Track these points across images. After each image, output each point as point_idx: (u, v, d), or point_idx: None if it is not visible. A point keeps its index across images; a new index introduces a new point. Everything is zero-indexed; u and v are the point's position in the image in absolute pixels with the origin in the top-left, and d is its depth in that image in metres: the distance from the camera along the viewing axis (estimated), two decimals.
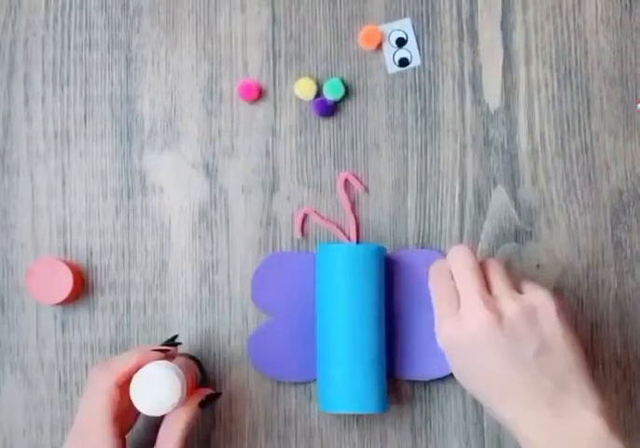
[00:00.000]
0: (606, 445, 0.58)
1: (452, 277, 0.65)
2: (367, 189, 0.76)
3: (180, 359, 0.70)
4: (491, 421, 0.73)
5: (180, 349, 0.71)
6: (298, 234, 0.75)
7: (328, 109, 0.75)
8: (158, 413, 0.63)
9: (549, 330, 0.62)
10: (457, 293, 0.64)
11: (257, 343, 0.74)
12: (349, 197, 0.76)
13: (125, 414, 0.66)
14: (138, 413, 0.69)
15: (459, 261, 0.65)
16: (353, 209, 0.75)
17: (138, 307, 0.75)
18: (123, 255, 0.76)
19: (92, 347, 0.75)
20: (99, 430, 0.63)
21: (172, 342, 0.70)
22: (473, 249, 0.68)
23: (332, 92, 0.76)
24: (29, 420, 0.74)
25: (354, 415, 0.74)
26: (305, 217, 0.76)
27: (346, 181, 0.76)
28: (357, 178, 0.76)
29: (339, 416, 0.74)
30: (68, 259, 0.75)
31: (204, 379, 0.74)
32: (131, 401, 0.63)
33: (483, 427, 0.74)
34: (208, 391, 0.68)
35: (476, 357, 0.62)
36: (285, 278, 0.74)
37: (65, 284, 0.73)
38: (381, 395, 0.71)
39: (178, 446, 0.64)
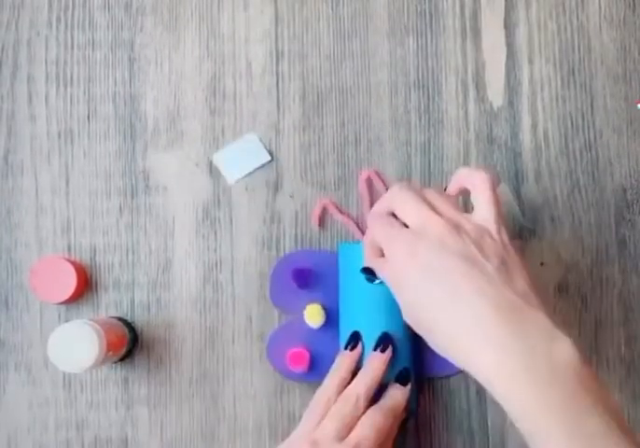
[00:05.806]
0: (581, 369, 0.54)
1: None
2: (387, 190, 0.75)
3: (102, 319, 0.70)
4: (495, 418, 0.73)
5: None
6: (315, 224, 0.75)
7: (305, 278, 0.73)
8: (76, 371, 0.64)
9: (504, 248, 0.58)
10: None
11: (276, 343, 0.72)
12: (371, 195, 0.75)
13: None
14: None
15: (398, 198, 0.62)
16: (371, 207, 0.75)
17: (142, 306, 0.75)
18: (127, 253, 0.76)
19: None
20: None
21: None
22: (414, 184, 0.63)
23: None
24: (33, 418, 0.74)
25: None
26: (323, 209, 0.75)
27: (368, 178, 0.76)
28: (380, 177, 0.76)
29: None
30: (72, 258, 0.75)
31: (135, 340, 0.74)
32: None
33: (487, 423, 0.74)
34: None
35: (437, 269, 0.57)
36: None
37: (69, 282, 0.73)
38: (414, 397, 0.70)
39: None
